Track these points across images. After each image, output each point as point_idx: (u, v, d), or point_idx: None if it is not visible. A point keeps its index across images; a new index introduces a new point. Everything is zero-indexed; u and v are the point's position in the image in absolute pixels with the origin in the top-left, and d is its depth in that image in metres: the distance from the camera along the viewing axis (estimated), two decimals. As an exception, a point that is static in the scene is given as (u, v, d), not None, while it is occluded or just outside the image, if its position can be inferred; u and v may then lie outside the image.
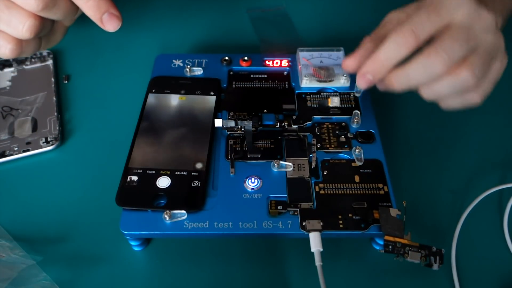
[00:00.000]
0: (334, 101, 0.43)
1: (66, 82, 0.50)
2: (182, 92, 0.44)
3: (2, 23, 0.33)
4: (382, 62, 0.35)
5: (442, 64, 0.33)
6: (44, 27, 0.34)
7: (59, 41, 0.39)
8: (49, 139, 0.44)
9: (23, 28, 0.32)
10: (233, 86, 0.45)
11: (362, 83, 0.36)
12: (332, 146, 0.40)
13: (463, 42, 0.34)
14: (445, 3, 0.34)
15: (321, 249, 0.34)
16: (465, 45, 0.34)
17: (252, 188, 0.37)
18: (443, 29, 0.34)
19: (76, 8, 0.34)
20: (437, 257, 0.34)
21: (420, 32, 0.34)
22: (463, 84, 0.34)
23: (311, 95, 0.44)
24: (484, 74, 0.35)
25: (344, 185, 0.37)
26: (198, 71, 0.46)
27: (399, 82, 0.35)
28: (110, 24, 0.34)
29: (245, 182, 0.37)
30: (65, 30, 0.39)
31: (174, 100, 0.44)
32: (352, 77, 0.41)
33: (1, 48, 0.34)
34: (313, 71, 0.45)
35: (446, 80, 0.35)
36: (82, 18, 0.56)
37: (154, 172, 0.38)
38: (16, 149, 0.43)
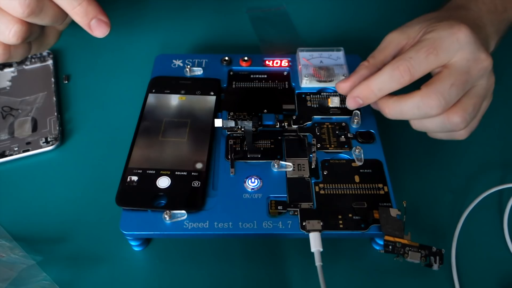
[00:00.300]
0: (334, 101, 0.43)
1: (66, 82, 0.50)
2: (182, 92, 0.44)
3: None
4: (373, 90, 0.36)
5: (437, 108, 0.34)
6: (32, 32, 0.33)
7: (52, 44, 0.38)
8: (49, 139, 0.44)
9: (9, 33, 0.32)
10: (233, 86, 0.45)
11: (351, 104, 0.38)
12: (332, 146, 0.40)
13: (460, 87, 0.35)
14: (445, 43, 0.35)
15: (321, 249, 0.34)
16: (461, 90, 0.35)
17: (252, 188, 0.37)
18: (441, 68, 0.35)
19: (65, 13, 0.33)
20: (437, 257, 0.34)
21: (416, 72, 0.35)
22: (453, 126, 0.36)
23: (311, 95, 0.44)
24: (475, 116, 0.36)
25: (344, 185, 0.37)
26: (198, 71, 0.46)
27: (392, 113, 0.36)
28: (98, 30, 0.34)
29: (245, 182, 0.37)
30: (58, 34, 0.38)
31: (174, 100, 0.44)
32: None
33: None
34: (313, 71, 0.45)
35: (437, 120, 0.36)
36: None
37: (154, 172, 0.38)
38: (16, 149, 0.43)
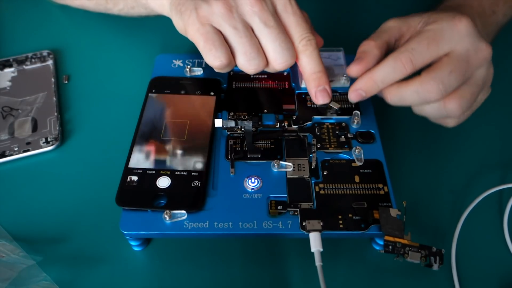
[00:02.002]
0: (333, 108, 0.42)
1: (66, 82, 0.50)
2: (182, 92, 0.44)
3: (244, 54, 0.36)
4: (376, 82, 0.37)
5: (436, 94, 0.35)
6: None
7: None
8: (49, 139, 0.44)
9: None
10: (233, 86, 0.45)
11: (354, 97, 0.38)
12: (332, 146, 0.40)
13: (459, 74, 0.35)
14: (447, 34, 0.35)
15: (321, 249, 0.34)
16: (461, 77, 0.35)
17: (252, 188, 0.37)
18: (441, 56, 0.36)
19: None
20: (437, 257, 0.34)
21: (418, 62, 0.35)
22: (449, 113, 0.36)
23: (311, 95, 0.44)
24: (470, 106, 0.37)
25: (344, 185, 0.37)
26: (198, 71, 0.46)
27: (393, 100, 0.37)
28: (321, 97, 0.38)
29: (245, 182, 0.37)
30: None
31: (174, 100, 0.44)
32: (352, 78, 0.41)
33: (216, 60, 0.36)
34: (313, 71, 0.45)
35: (435, 106, 0.36)
36: (81, 18, 0.56)
37: (154, 172, 0.38)
38: (16, 149, 0.43)
